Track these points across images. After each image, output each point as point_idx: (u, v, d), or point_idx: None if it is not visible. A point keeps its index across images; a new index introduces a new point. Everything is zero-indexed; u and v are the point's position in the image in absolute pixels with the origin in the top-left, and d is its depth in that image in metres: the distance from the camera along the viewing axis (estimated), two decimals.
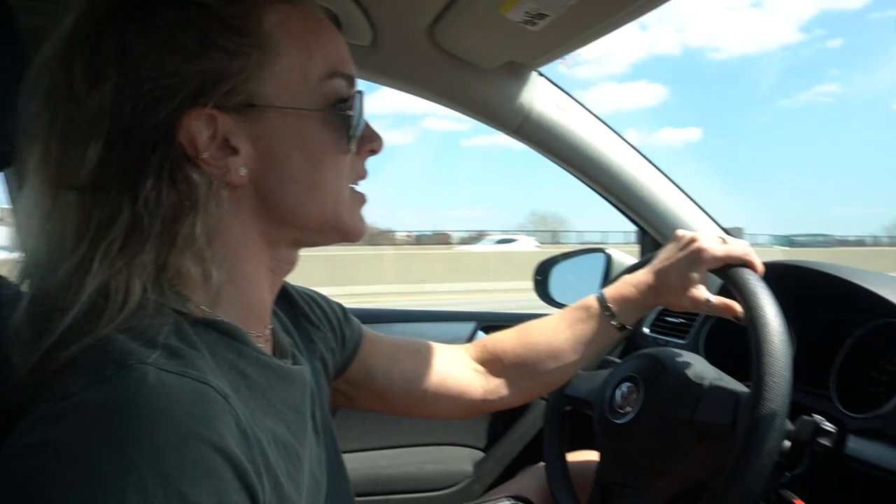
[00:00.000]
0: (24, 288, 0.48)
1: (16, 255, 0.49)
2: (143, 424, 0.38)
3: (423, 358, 0.86)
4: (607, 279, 1.38)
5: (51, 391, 0.41)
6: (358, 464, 1.30)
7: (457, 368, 0.87)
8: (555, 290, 1.50)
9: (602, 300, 0.86)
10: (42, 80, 0.48)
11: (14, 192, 1.04)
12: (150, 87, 0.46)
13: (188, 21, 0.48)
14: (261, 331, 0.57)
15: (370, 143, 0.59)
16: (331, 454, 0.64)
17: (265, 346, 0.57)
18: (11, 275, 0.49)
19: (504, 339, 0.90)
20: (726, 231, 1.37)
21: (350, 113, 0.55)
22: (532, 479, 1.10)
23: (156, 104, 0.47)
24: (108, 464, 0.37)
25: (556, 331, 0.87)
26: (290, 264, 0.59)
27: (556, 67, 1.20)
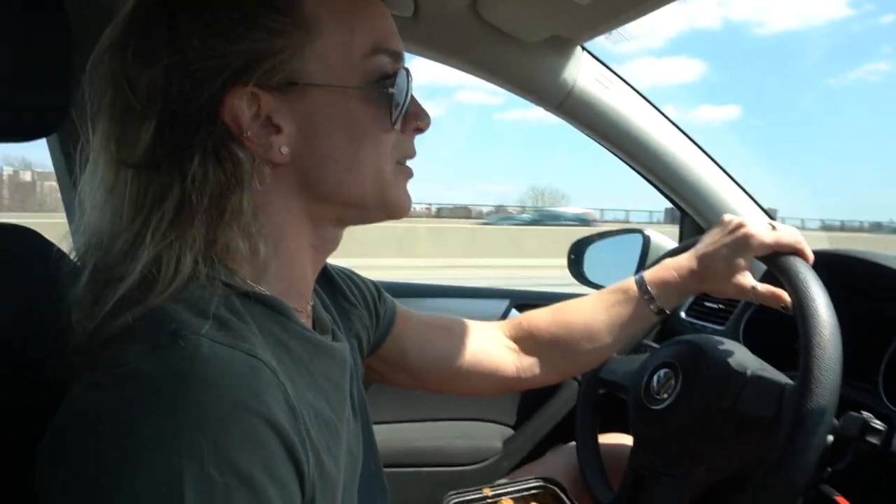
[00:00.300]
0: (88, 259, 0.50)
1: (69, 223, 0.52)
2: (195, 394, 0.39)
3: (457, 335, 0.86)
4: (644, 261, 1.35)
5: (106, 359, 0.42)
6: (387, 435, 1.32)
7: (490, 346, 0.87)
8: (589, 270, 1.48)
9: (642, 283, 0.84)
10: (102, 64, 0.50)
11: (58, 157, 1.06)
12: (196, 68, 0.48)
13: (232, 2, 0.49)
14: (303, 306, 0.57)
15: (416, 120, 0.58)
16: (365, 429, 0.65)
17: (307, 322, 0.58)
18: (72, 246, 0.53)
19: (539, 318, 0.89)
20: (768, 214, 1.32)
21: (392, 90, 0.54)
22: (561, 458, 1.10)
23: (201, 84, 0.48)
24: (162, 431, 0.38)
25: (593, 311, 0.86)
26: (334, 243, 0.59)
27: (597, 42, 1.16)
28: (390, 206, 0.57)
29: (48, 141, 1.06)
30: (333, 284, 0.74)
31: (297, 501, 0.43)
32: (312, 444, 0.47)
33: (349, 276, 0.78)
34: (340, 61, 0.52)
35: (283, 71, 0.50)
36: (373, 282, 0.81)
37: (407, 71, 0.56)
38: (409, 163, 0.59)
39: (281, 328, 0.51)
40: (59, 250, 0.57)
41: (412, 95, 0.56)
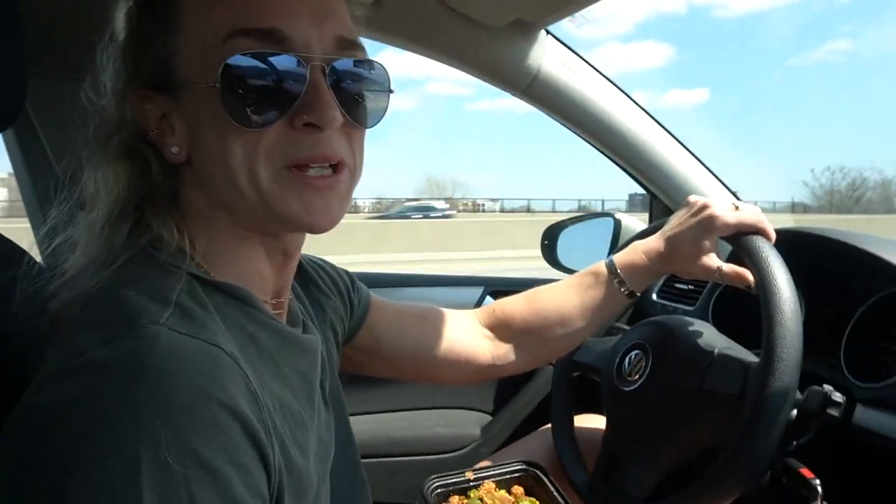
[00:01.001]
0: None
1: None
2: (155, 383, 0.39)
3: (432, 324, 0.86)
4: (615, 244, 1.37)
5: (64, 348, 0.42)
6: (366, 426, 1.32)
7: (465, 334, 0.87)
8: (563, 255, 1.49)
9: (611, 267, 0.85)
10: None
11: (16, 154, 1.02)
12: (112, 81, 0.52)
13: (129, 19, 0.53)
14: (269, 299, 0.57)
15: (304, 114, 0.48)
16: (339, 421, 0.65)
17: (279, 314, 0.57)
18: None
19: (513, 305, 0.89)
20: (736, 196, 1.34)
21: (259, 81, 0.47)
22: (540, 442, 1.11)
23: (117, 91, 0.52)
24: (122, 421, 0.38)
25: (565, 297, 0.87)
26: (284, 252, 0.55)
27: (563, 27, 1.15)
28: (282, 217, 0.50)
29: (4, 137, 1.02)
30: (305, 275, 0.73)
31: (263, 489, 0.43)
32: (277, 434, 0.46)
33: (321, 265, 0.77)
34: (199, 53, 0.49)
35: (159, 72, 0.51)
36: (346, 271, 0.80)
37: (299, 58, 0.48)
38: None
39: (247, 318, 0.50)
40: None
41: (310, 85, 0.48)
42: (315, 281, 0.74)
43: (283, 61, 0.47)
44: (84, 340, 0.41)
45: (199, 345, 0.42)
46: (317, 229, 0.51)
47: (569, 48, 1.19)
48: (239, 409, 0.41)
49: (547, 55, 1.15)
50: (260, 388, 0.45)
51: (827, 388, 0.72)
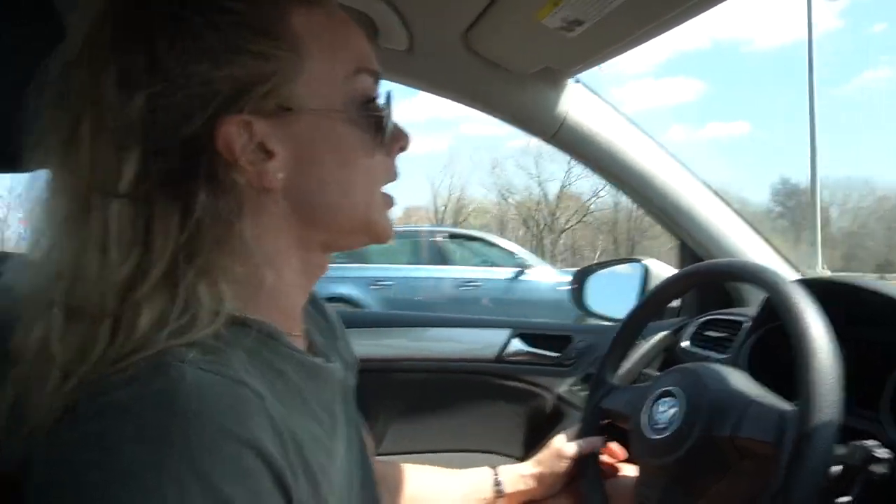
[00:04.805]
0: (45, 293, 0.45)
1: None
2: (179, 423, 0.38)
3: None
4: (644, 290, 1.35)
5: (87, 389, 0.41)
6: None
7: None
8: (591, 299, 1.49)
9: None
10: (63, 83, 0.47)
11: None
12: (183, 96, 0.46)
13: (216, 26, 0.47)
14: (295, 330, 0.57)
15: (398, 141, 0.58)
16: (360, 454, 0.64)
17: (300, 345, 0.57)
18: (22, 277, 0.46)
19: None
20: (762, 237, 1.31)
21: (380, 112, 0.54)
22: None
23: (190, 113, 0.46)
24: (146, 462, 0.37)
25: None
26: (321, 268, 0.59)
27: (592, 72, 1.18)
28: (375, 231, 0.57)
29: None
30: (323, 310, 0.73)
31: None
32: (308, 469, 0.46)
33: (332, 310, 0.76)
34: (327, 84, 0.52)
35: (275, 96, 0.49)
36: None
37: (389, 93, 0.56)
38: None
39: (274, 353, 0.50)
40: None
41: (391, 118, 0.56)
42: (330, 319, 0.73)
43: (388, 98, 0.56)
44: (109, 380, 0.41)
45: (223, 381, 0.42)
46: (390, 238, 0.58)
47: (598, 95, 1.21)
48: (263, 450, 0.41)
49: (574, 102, 1.17)
50: (287, 425, 0.45)
51: (870, 442, 0.68)
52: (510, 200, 27.27)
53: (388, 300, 6.55)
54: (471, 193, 28.02)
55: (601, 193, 24.71)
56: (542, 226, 25.92)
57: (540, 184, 25.83)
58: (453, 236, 7.63)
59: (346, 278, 6.50)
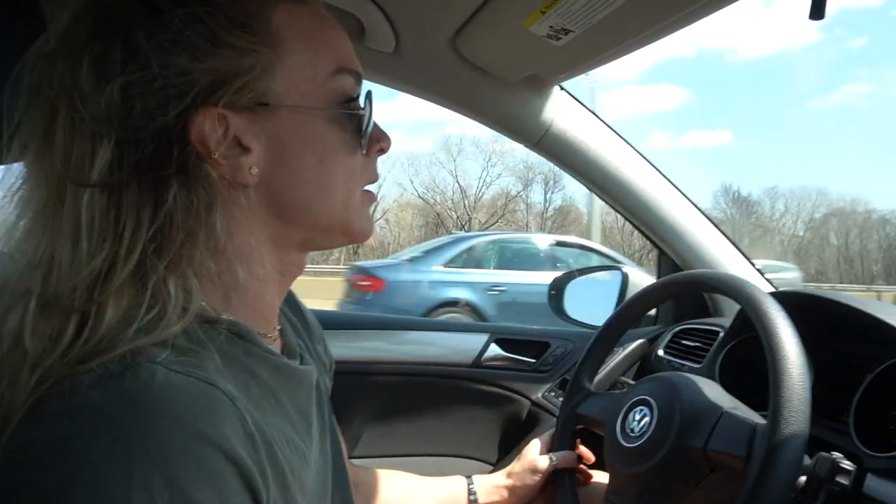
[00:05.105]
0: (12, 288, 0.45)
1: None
2: (149, 424, 0.38)
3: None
4: (622, 298, 1.37)
5: (57, 387, 0.40)
6: None
7: None
8: (569, 306, 1.49)
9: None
10: (39, 73, 0.46)
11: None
12: (159, 86, 0.45)
13: (196, 19, 0.47)
14: (270, 331, 0.56)
15: (379, 142, 0.58)
16: (335, 456, 0.64)
17: (274, 346, 0.57)
18: None
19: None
20: (741, 252, 1.34)
21: (360, 112, 0.54)
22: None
23: (166, 103, 0.46)
24: (114, 462, 0.37)
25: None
26: (299, 268, 0.58)
27: (577, 79, 1.19)
28: (351, 231, 0.57)
29: None
30: (302, 312, 0.72)
31: None
32: (278, 470, 0.45)
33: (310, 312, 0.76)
34: (307, 81, 0.52)
35: (252, 91, 0.48)
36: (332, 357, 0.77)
37: (369, 93, 0.56)
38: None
39: (247, 355, 0.49)
40: None
41: (373, 118, 0.56)
42: (308, 321, 0.72)
43: (368, 98, 0.56)
44: (80, 379, 0.40)
45: (194, 383, 0.41)
46: (368, 237, 0.59)
47: (582, 104, 1.22)
48: (233, 452, 0.40)
49: (559, 110, 1.18)
50: (259, 427, 0.44)
51: (836, 455, 0.70)
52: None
53: (503, 305, 6.63)
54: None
55: None
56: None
57: None
58: (560, 244, 7.93)
59: (464, 283, 6.67)
